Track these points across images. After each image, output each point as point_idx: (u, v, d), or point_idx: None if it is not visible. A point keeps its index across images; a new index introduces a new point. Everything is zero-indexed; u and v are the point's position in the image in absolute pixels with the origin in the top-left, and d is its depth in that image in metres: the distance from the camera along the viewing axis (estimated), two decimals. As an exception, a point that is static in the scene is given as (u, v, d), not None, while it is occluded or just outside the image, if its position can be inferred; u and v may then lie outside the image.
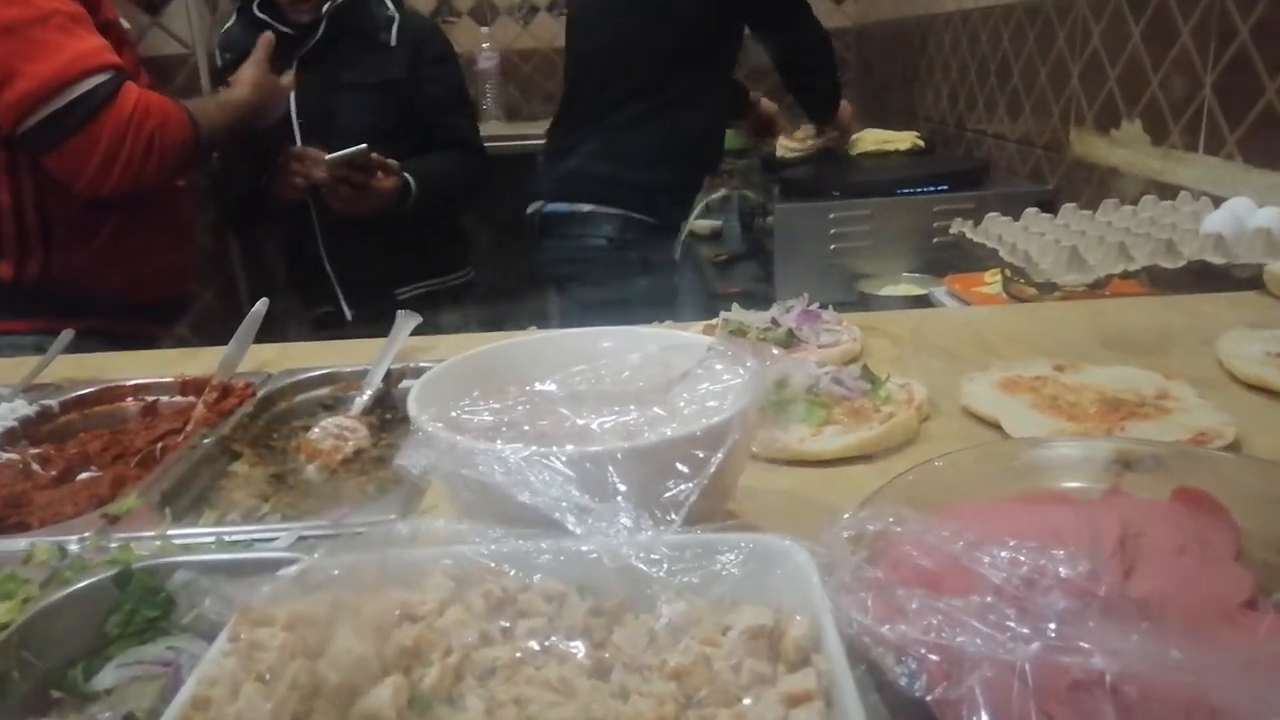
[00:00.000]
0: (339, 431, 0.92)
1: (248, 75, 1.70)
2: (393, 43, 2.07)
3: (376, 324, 1.29)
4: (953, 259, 1.87)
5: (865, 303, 1.95)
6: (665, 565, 0.47)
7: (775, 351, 0.56)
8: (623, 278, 2.14)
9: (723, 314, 1.01)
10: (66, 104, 1.36)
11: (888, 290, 2.00)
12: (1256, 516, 0.55)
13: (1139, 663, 0.38)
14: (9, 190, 1.46)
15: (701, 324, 1.04)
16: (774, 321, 0.97)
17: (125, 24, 1.63)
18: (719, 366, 0.55)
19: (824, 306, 1.01)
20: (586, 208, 2.13)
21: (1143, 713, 0.39)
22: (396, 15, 2.09)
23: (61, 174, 1.43)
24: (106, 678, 0.59)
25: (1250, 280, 1.17)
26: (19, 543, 0.68)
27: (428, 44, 2.13)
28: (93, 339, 1.33)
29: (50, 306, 1.47)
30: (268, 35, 1.79)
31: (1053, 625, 0.39)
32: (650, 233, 2.14)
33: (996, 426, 0.78)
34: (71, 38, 1.37)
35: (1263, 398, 0.82)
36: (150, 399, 1.01)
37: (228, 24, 2.13)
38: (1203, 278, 1.31)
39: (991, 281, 1.67)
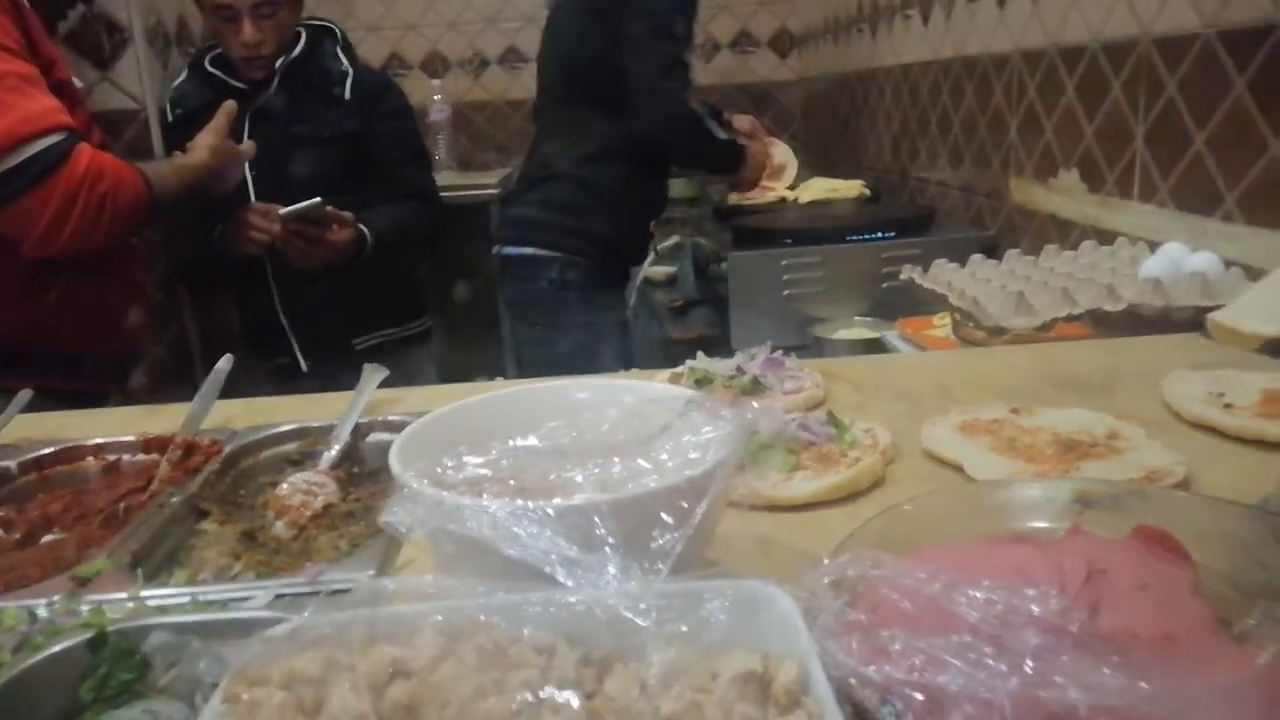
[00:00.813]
0: (308, 487, 0.92)
1: (206, 140, 1.69)
2: (347, 96, 2.09)
3: (334, 376, 1.29)
4: (903, 302, 1.92)
5: (819, 346, 1.99)
6: (654, 614, 0.48)
7: (754, 404, 0.57)
8: (569, 320, 2.20)
9: (689, 363, 1.03)
10: (18, 164, 1.35)
11: (841, 334, 2.05)
12: (1211, 552, 0.57)
13: (1111, 696, 0.40)
14: None
15: (667, 372, 1.05)
16: (739, 369, 0.99)
17: (78, 82, 1.62)
18: (698, 418, 0.57)
19: (785, 353, 1.03)
20: (530, 251, 2.20)
21: (1116, 744, 0.41)
22: (350, 70, 2.11)
23: (10, 233, 1.41)
24: (82, 744, 0.58)
25: (1188, 322, 1.22)
26: (-14, 609, 0.67)
27: (382, 98, 2.15)
28: (43, 397, 1.31)
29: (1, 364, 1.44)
30: (230, 104, 1.78)
31: (1030, 662, 0.41)
32: (593, 276, 2.19)
33: (958, 468, 0.81)
34: (24, 98, 1.36)
35: (1207, 435, 0.85)
36: (112, 458, 0.99)
37: (179, 79, 2.12)
38: (1143, 320, 1.37)
39: (940, 325, 1.72)
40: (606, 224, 2.16)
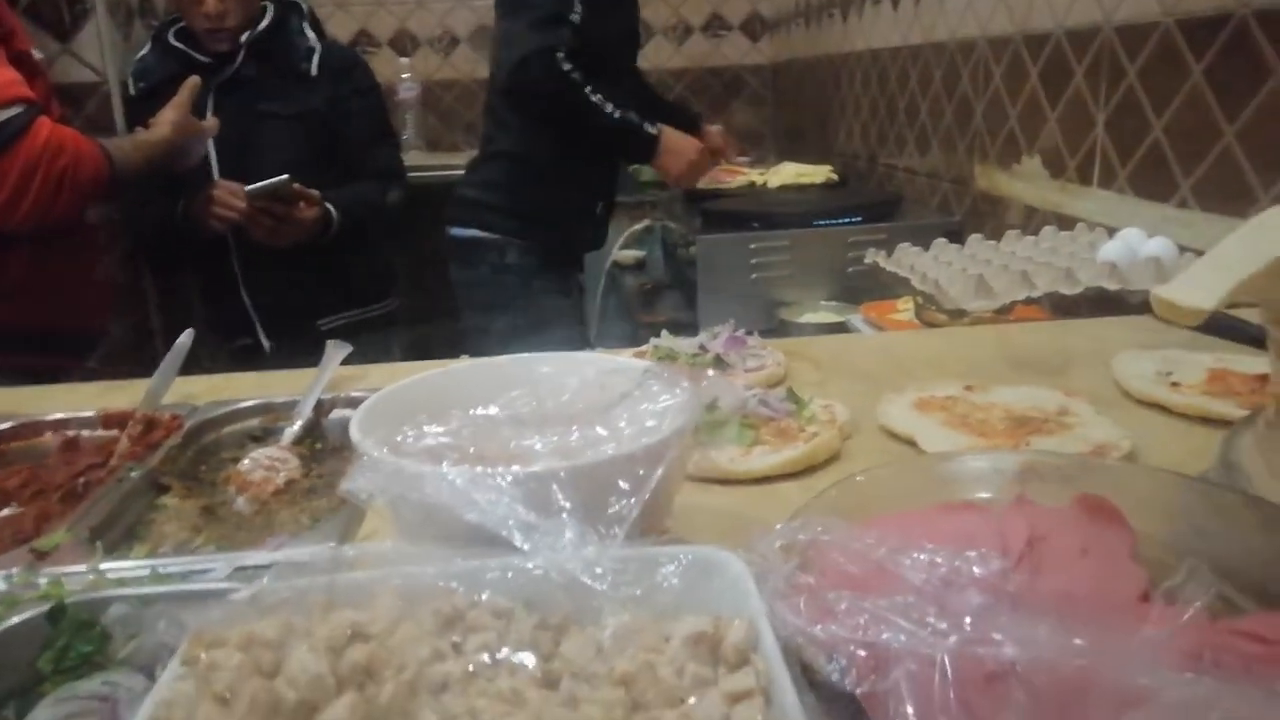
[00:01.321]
0: (270, 463, 0.92)
1: (169, 116, 1.67)
2: (314, 73, 2.06)
3: (297, 356, 1.27)
4: (868, 287, 1.94)
5: (786, 329, 2.01)
6: (609, 579, 0.49)
7: (710, 374, 0.58)
8: (511, 303, 2.20)
9: (653, 340, 1.04)
10: None
11: (807, 317, 2.07)
12: (1149, 519, 0.59)
13: (1046, 651, 0.42)
14: None
15: (631, 350, 1.06)
16: (702, 347, 1.00)
17: (37, 54, 1.60)
18: (656, 388, 0.58)
19: (749, 333, 1.04)
20: (472, 232, 2.21)
21: (1051, 697, 0.43)
22: (318, 46, 2.09)
23: None
24: (41, 715, 0.58)
25: (1142, 305, 1.25)
26: (-58, 581, 0.67)
27: (350, 75, 2.13)
28: (2, 374, 1.29)
29: None
30: (194, 79, 1.76)
31: (968, 620, 0.43)
32: (533, 259, 2.19)
33: (912, 443, 0.82)
34: None
35: (1154, 413, 0.88)
36: (71, 434, 0.99)
37: (142, 52, 2.09)
38: (1099, 303, 1.40)
39: (904, 309, 1.75)
40: (544, 206, 2.15)
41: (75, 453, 0.97)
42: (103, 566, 0.69)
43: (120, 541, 0.78)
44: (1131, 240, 1.48)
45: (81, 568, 0.68)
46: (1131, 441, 0.78)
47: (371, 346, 2.12)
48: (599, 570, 0.49)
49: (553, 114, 2.03)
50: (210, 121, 1.81)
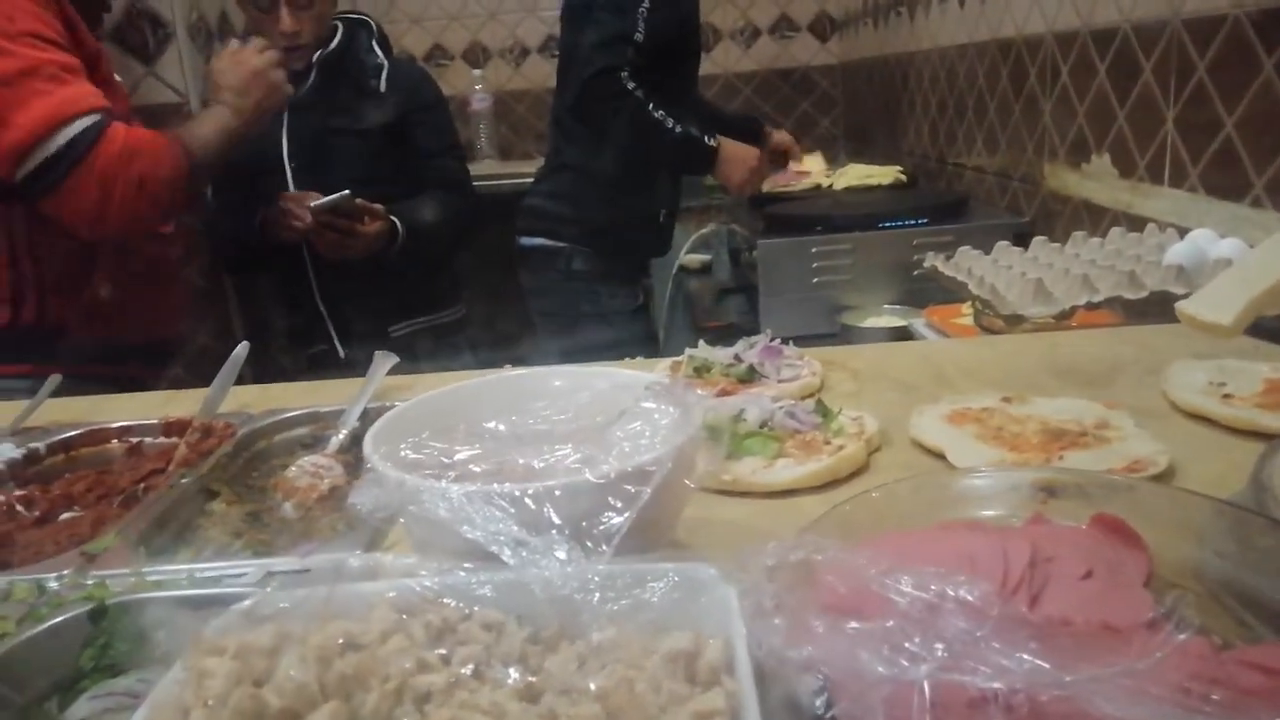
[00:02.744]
0: (315, 470, 0.95)
1: (251, 60, 1.66)
2: (382, 89, 2.12)
3: (371, 363, 1.32)
4: (933, 291, 1.90)
5: (847, 335, 1.99)
6: (597, 594, 0.50)
7: (714, 391, 0.59)
8: (579, 310, 2.24)
9: (689, 350, 1.04)
10: (56, 150, 1.39)
11: (870, 322, 2.04)
12: (1169, 541, 0.57)
13: (1023, 680, 0.41)
14: (5, 238, 1.50)
15: (669, 360, 1.07)
16: (737, 357, 1.00)
17: (119, 78, 1.68)
18: (650, 405, 0.58)
19: (785, 342, 1.04)
20: (540, 241, 2.26)
21: (1032, 727, 0.42)
22: (386, 62, 2.15)
23: (63, 219, 1.45)
24: (80, 709, 0.62)
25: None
26: (-1, 581, 0.71)
27: (418, 90, 2.19)
28: (86, 382, 1.36)
29: (44, 351, 1.50)
30: (262, 40, 1.78)
31: (942, 645, 0.42)
32: (600, 266, 2.22)
33: (942, 457, 0.81)
34: (61, 86, 1.40)
35: (1201, 426, 0.84)
36: (134, 440, 1.04)
37: (221, 72, 2.18)
38: (1168, 307, 1.34)
39: (968, 313, 1.70)
40: (609, 214, 2.18)
41: (139, 459, 1.02)
42: (144, 569, 0.72)
43: (167, 546, 0.82)
44: (1201, 241, 1.41)
45: (125, 570, 0.72)
46: (1169, 457, 0.75)
47: (442, 352, 2.18)
48: (589, 586, 0.50)
49: (617, 130, 2.07)
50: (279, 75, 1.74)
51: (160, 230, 1.63)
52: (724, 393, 0.94)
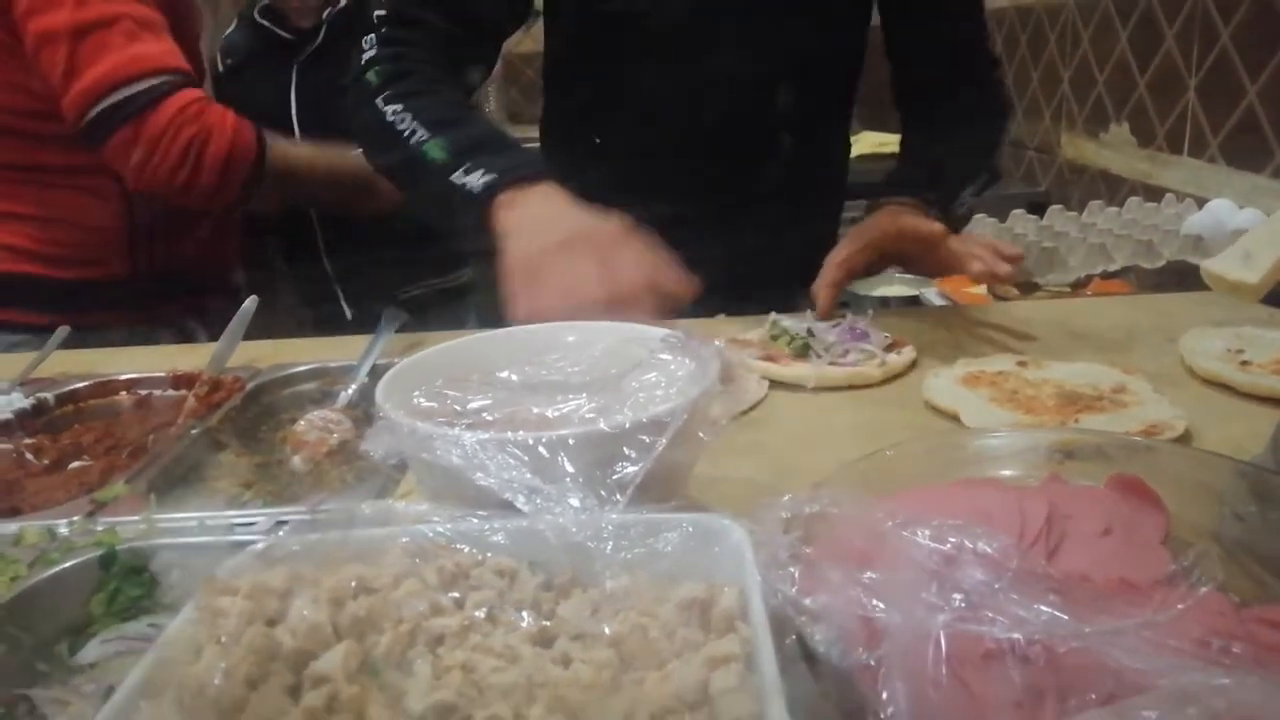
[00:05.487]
0: (324, 424, 0.95)
1: None
2: (392, 48, 2.10)
3: (377, 324, 1.31)
4: (943, 260, 1.88)
5: (858, 303, 1.97)
6: (610, 542, 0.49)
7: (717, 344, 0.58)
8: None
9: (774, 315, 1.03)
10: (116, 101, 1.37)
11: (881, 290, 2.02)
12: (1187, 502, 0.57)
13: (1041, 630, 0.41)
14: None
15: (755, 330, 1.05)
16: (809, 331, 0.97)
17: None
18: (666, 357, 0.57)
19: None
20: None
21: (1049, 677, 0.42)
22: (396, 21, 2.12)
23: (114, 168, 1.44)
24: (90, 653, 0.62)
25: (1224, 280, 1.18)
26: (9, 526, 0.71)
27: (427, 49, 2.16)
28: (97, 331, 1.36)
29: (158, 298, 1.55)
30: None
31: (960, 596, 0.42)
32: None
33: (955, 419, 0.80)
34: (135, 42, 1.38)
35: (1217, 392, 0.84)
36: (143, 393, 1.04)
37: (229, 30, 2.16)
38: (1185, 277, 1.33)
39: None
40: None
41: (147, 411, 1.02)
42: (154, 516, 0.72)
43: (177, 494, 0.82)
44: (1220, 212, 1.40)
45: (135, 517, 0.72)
46: (1186, 422, 0.74)
47: (449, 315, 2.17)
48: (603, 534, 0.50)
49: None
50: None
51: (211, 207, 1.61)
52: (768, 358, 0.93)
